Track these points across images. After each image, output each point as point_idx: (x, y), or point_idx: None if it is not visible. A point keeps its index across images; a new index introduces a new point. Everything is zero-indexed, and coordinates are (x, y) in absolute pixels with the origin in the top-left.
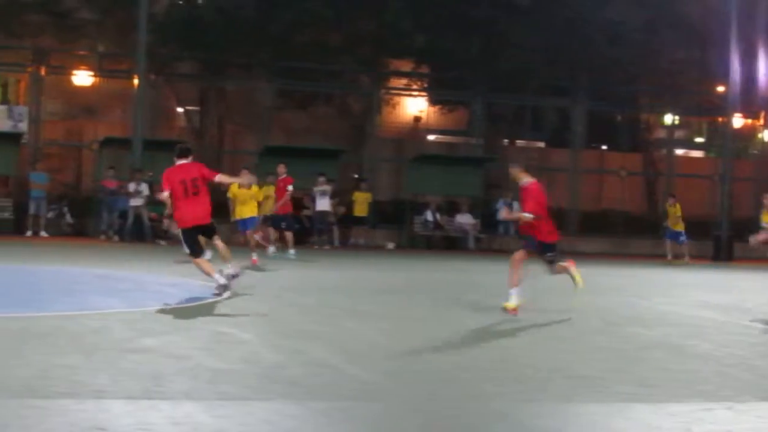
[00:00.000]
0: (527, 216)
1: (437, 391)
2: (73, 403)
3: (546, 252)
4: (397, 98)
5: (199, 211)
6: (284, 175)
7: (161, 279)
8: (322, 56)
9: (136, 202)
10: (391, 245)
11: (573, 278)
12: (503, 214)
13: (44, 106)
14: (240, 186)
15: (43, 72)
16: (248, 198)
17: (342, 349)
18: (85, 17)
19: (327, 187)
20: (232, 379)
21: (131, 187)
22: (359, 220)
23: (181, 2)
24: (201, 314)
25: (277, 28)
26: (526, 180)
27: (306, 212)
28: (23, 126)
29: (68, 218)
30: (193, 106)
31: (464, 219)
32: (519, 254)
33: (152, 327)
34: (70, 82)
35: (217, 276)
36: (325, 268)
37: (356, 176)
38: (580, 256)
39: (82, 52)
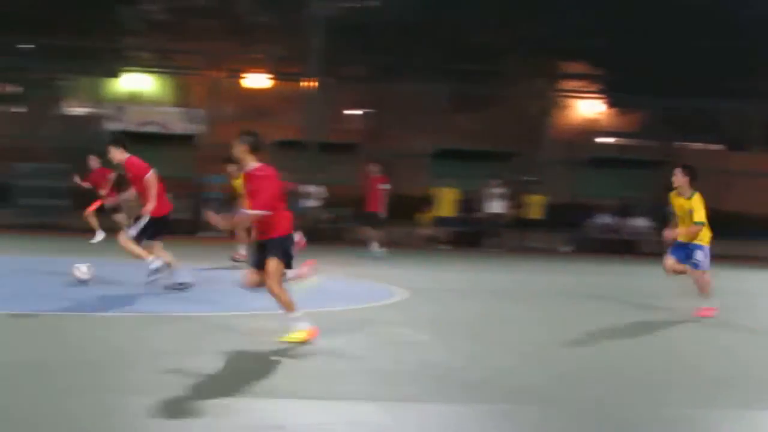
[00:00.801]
0: (254, 214)
1: (610, 395)
2: (252, 401)
3: (277, 251)
4: (570, 100)
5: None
6: (377, 175)
7: (336, 280)
8: (494, 58)
9: (311, 203)
10: (565, 248)
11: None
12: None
13: (219, 109)
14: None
15: (218, 75)
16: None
17: (516, 352)
18: (260, 21)
19: (500, 190)
20: (409, 381)
21: (308, 188)
22: (533, 223)
23: (355, 6)
24: (377, 315)
25: (449, 31)
26: (254, 164)
27: (478, 215)
28: (199, 129)
29: None
30: (366, 108)
31: (639, 222)
32: (271, 269)
33: (329, 328)
34: (244, 84)
35: (150, 259)
36: (497, 271)
37: (529, 179)
38: (758, 262)
39: (256, 56)
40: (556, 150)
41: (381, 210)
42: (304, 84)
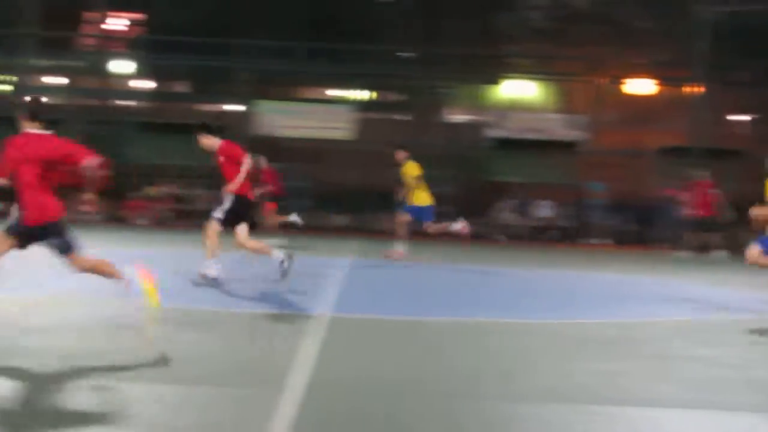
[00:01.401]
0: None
1: None
2: (632, 409)
3: (43, 237)
4: None
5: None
6: (705, 180)
7: (719, 290)
8: None
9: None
10: None
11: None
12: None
13: (602, 115)
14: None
15: (600, 81)
16: (411, 182)
17: None
18: (643, 26)
19: None
20: None
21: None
22: None
23: (741, 9)
24: (755, 326)
25: None
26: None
27: None
28: (581, 135)
29: (623, 225)
30: (754, 114)
31: None
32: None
33: (711, 337)
34: (627, 90)
35: (274, 253)
36: None
37: None
38: None
39: (639, 61)
40: None
41: (716, 214)
42: (687, 89)
